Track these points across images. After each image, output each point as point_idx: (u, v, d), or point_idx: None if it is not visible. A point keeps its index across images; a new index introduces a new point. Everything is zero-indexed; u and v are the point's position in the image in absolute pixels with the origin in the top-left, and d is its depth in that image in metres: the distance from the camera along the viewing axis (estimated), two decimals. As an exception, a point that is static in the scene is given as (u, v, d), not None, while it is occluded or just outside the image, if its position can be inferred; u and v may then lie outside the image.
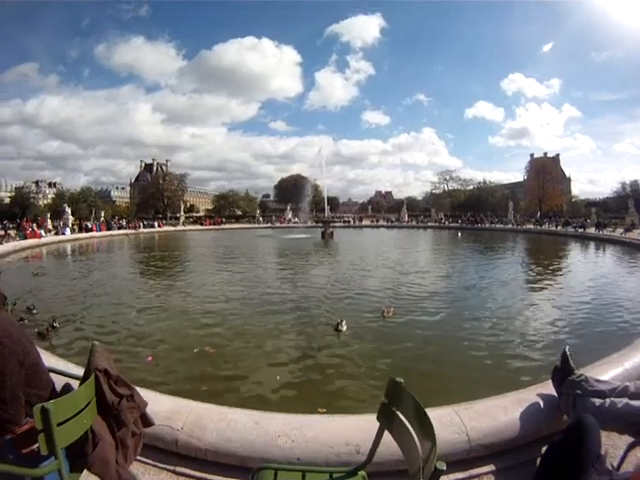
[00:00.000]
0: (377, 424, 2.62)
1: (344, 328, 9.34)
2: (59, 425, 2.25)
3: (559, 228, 59.24)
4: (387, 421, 2.52)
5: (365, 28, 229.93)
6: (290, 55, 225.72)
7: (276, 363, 7.70)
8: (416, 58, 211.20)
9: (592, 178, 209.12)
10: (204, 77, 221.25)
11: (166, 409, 3.87)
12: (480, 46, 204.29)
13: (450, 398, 4.34)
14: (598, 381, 3.61)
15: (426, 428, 2.07)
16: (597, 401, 3.34)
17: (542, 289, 15.33)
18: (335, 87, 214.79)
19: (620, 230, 48.03)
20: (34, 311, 11.88)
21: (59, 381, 3.06)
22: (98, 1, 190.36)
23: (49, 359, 4.75)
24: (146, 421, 3.12)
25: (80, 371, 3.19)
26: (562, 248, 35.91)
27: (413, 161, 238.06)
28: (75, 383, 2.94)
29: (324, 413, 5.11)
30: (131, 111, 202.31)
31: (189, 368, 7.49)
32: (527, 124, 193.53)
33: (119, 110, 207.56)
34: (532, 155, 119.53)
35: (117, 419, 2.76)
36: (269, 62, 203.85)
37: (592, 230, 51.79)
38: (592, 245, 38.08)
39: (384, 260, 23.11)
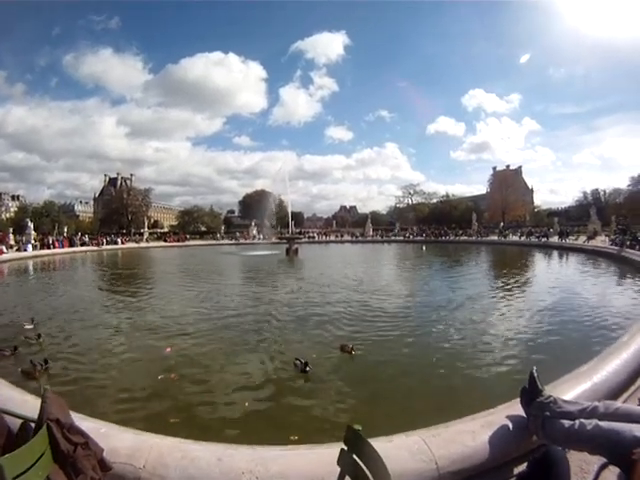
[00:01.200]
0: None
1: (308, 369, 8.18)
2: (14, 479, 2.21)
3: (522, 238, 60.53)
4: (347, 467, 2.55)
5: (330, 45, 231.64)
6: (256, 71, 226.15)
7: (241, 388, 7.57)
8: (379, 75, 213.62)
9: (553, 188, 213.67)
10: (169, 91, 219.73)
11: (127, 446, 3.74)
12: (442, 63, 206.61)
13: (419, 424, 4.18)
14: (566, 402, 3.63)
15: (384, 476, 2.18)
16: (566, 423, 3.35)
17: (507, 302, 15.46)
18: (299, 103, 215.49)
19: (583, 238, 49.14)
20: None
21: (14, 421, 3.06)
22: (70, 11, 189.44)
23: (5, 390, 4.95)
24: (104, 466, 3.02)
25: (36, 404, 3.04)
26: (526, 258, 36.79)
27: (376, 176, 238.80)
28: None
29: (296, 441, 5.10)
30: (96, 124, 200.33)
31: (152, 396, 7.25)
32: (488, 138, 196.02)
33: (84, 122, 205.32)
34: (494, 168, 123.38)
35: (74, 467, 2.67)
36: (235, 77, 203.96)
37: (555, 239, 53.04)
38: (555, 254, 38.93)
39: (349, 278, 22.78)
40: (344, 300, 15.73)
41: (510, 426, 3.78)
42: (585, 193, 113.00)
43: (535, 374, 3.84)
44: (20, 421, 3.00)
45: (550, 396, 3.64)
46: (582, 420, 3.28)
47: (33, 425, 2.80)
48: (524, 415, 3.78)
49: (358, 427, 2.48)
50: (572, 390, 4.31)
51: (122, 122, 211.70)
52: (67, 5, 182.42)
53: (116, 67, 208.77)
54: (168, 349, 8.46)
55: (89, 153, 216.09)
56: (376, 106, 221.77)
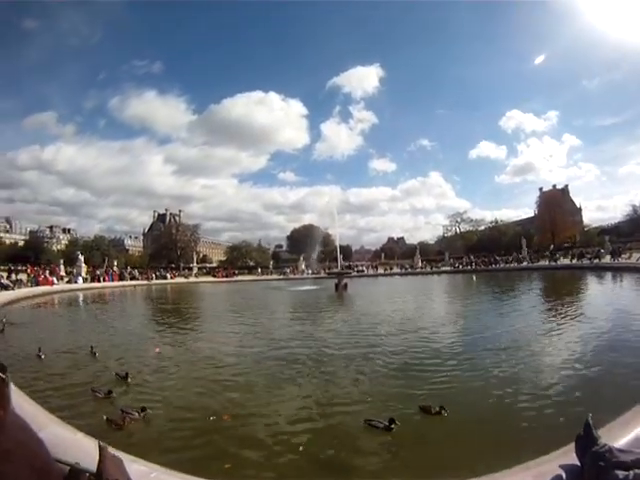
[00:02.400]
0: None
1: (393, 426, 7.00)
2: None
3: (574, 261, 58.92)
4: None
5: (365, 78, 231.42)
6: (296, 108, 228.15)
7: (295, 434, 7.14)
8: (416, 104, 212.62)
9: (600, 205, 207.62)
10: (213, 130, 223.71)
11: None
12: (476, 87, 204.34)
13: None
14: (621, 451, 3.39)
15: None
16: (621, 474, 3.12)
17: (564, 335, 14.38)
18: (340, 137, 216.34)
19: (637, 255, 47.31)
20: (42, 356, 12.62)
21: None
22: (113, 57, 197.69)
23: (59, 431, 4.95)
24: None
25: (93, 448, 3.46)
26: (579, 283, 35.39)
27: (422, 205, 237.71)
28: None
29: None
30: (144, 162, 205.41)
31: (204, 439, 6.97)
32: (530, 159, 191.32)
33: (132, 161, 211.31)
34: (541, 189, 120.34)
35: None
36: (276, 115, 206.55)
37: (607, 259, 51.62)
38: (609, 275, 37.46)
39: (401, 316, 21.00)
40: (400, 344, 14.01)
41: (564, 476, 3.60)
42: (635, 207, 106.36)
43: (590, 422, 3.71)
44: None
45: (605, 445, 3.45)
46: (637, 471, 3.10)
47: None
48: (578, 464, 3.61)
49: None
50: (629, 433, 4.07)
51: (169, 160, 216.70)
52: (111, 51, 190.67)
53: (160, 108, 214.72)
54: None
55: (138, 190, 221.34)
56: (416, 136, 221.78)
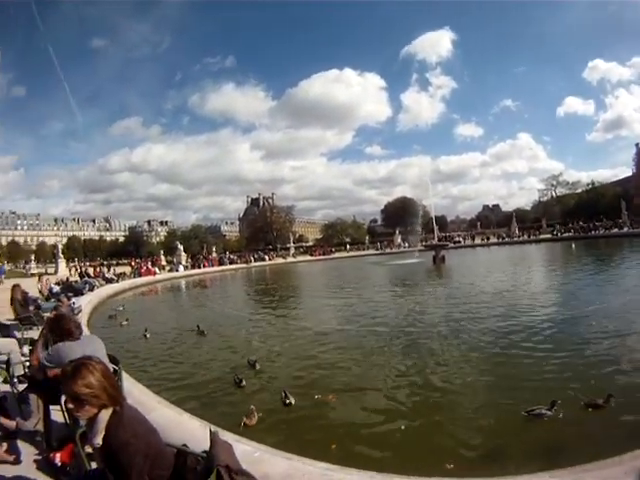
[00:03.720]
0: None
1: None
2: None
3: None
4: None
5: (437, 44, 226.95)
6: (374, 81, 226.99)
7: (399, 414, 6.95)
8: (494, 64, 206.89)
9: None
10: (295, 113, 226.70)
11: (279, 472, 3.80)
12: (553, 38, 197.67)
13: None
14: None
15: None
16: None
17: None
18: (422, 106, 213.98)
19: None
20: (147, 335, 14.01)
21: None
22: (186, 58, 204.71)
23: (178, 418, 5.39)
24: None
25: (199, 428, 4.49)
26: None
27: (514, 169, 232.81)
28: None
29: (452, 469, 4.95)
30: (231, 151, 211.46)
31: (310, 418, 7.00)
32: (620, 112, 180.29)
33: (220, 151, 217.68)
34: (637, 145, 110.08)
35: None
36: (355, 91, 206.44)
37: None
38: None
39: (502, 290, 19.61)
40: (505, 323, 12.82)
41: None
42: None
43: None
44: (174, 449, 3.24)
45: None
46: None
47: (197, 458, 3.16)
48: None
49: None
50: None
51: (255, 147, 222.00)
52: (182, 54, 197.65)
53: (240, 99, 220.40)
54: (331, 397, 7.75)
55: (229, 178, 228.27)
56: (499, 97, 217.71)
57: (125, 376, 6.15)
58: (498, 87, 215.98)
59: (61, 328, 5.07)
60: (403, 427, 6.39)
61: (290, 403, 7.31)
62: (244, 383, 8.47)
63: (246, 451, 4.03)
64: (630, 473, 3.40)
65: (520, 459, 5.27)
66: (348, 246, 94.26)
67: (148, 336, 14.31)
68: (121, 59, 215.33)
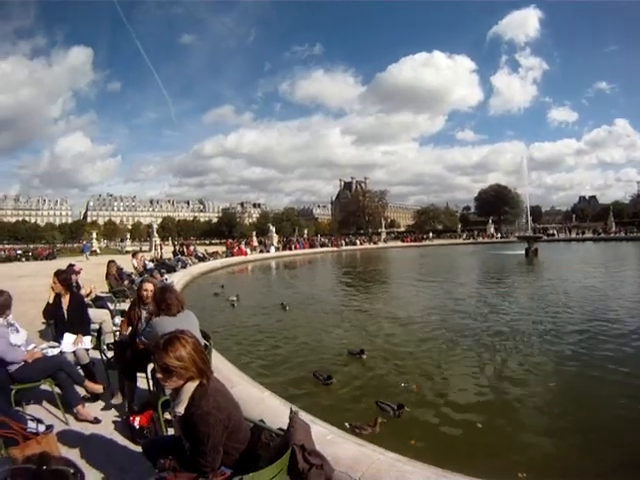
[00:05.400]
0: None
1: None
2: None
3: None
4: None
5: (524, 22, 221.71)
6: (464, 63, 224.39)
7: (477, 409, 6.92)
8: (584, 43, 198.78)
9: None
10: (385, 98, 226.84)
11: (349, 456, 3.85)
12: None
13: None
14: None
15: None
16: None
17: None
18: (513, 88, 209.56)
19: None
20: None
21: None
22: (273, 48, 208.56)
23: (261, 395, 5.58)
24: (330, 480, 3.31)
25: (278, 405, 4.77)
26: None
27: (610, 159, 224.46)
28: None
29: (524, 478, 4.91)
30: (323, 136, 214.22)
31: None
32: None
33: (312, 136, 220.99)
34: None
35: (303, 480, 3.04)
36: (445, 73, 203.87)
37: None
38: None
39: (596, 292, 18.41)
40: (592, 330, 11.78)
41: None
42: None
43: None
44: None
45: None
46: None
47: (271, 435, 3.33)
48: None
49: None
50: None
51: (347, 132, 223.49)
52: (269, 44, 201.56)
53: (329, 85, 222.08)
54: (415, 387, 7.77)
55: (321, 162, 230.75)
56: (592, 79, 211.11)
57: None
58: (591, 68, 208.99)
59: (164, 300, 5.16)
60: (480, 426, 6.31)
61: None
62: (332, 380, 7.96)
63: (320, 432, 4.12)
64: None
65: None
66: (441, 233, 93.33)
67: (236, 305, 15.89)
68: (210, 52, 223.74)
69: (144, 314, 6.08)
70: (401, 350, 10.16)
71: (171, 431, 4.31)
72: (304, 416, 4.00)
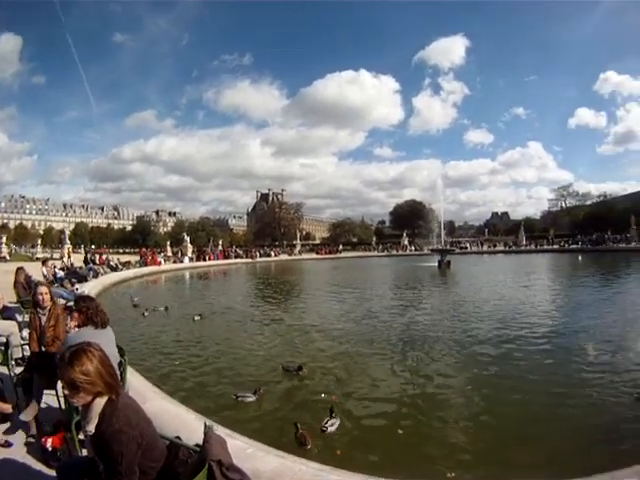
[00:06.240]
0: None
1: None
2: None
3: None
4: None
5: (450, 50, 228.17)
6: (388, 84, 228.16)
7: (397, 415, 7.11)
8: (506, 72, 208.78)
9: None
10: (308, 112, 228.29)
11: (270, 469, 3.83)
12: (566, 49, 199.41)
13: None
14: None
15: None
16: None
17: None
18: (434, 110, 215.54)
19: None
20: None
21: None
22: (203, 55, 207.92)
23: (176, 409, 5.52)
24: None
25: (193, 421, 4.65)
26: None
27: (523, 178, 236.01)
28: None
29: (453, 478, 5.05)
30: (244, 146, 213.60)
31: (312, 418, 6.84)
32: (631, 126, 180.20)
33: (232, 146, 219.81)
34: None
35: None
36: (369, 92, 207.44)
37: None
38: None
39: (503, 299, 19.96)
40: (499, 332, 12.87)
41: None
42: None
43: None
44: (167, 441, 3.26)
45: None
46: None
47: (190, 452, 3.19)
48: None
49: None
50: None
51: (267, 143, 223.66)
52: (200, 50, 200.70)
53: (254, 96, 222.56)
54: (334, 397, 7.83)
55: (239, 173, 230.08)
56: (510, 104, 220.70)
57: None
58: (510, 95, 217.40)
59: (96, 310, 4.99)
60: (401, 432, 6.43)
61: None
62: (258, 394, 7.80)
63: (239, 446, 4.08)
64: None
65: (523, 469, 5.37)
66: (356, 246, 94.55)
67: (146, 315, 16.11)
68: (140, 53, 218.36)
69: (43, 320, 5.87)
70: (320, 360, 10.24)
71: (86, 452, 4.05)
72: (221, 430, 4.05)
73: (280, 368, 9.40)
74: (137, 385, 6.23)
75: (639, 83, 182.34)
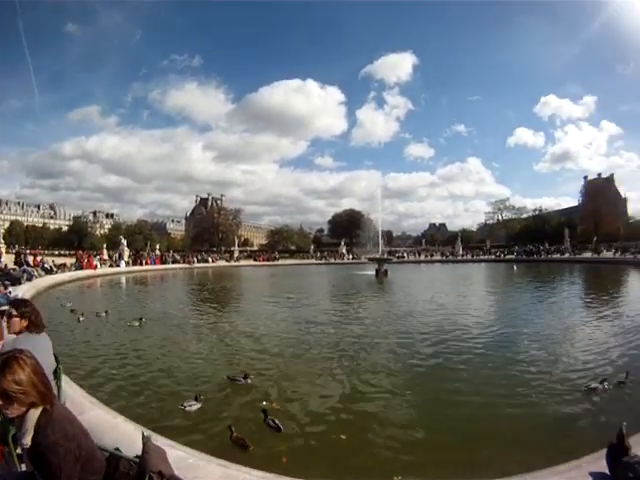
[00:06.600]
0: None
1: None
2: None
3: (617, 255, 57.81)
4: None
5: (398, 66, 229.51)
6: (334, 95, 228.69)
7: (338, 421, 7.23)
8: (451, 90, 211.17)
9: None
10: (252, 118, 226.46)
11: (213, 479, 3.83)
12: (509, 72, 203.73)
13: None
14: None
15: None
16: None
17: (603, 334, 13.78)
18: (377, 123, 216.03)
19: None
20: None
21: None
22: (154, 53, 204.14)
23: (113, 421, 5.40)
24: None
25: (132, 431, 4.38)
26: (621, 279, 34.82)
27: (460, 192, 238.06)
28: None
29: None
30: (185, 149, 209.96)
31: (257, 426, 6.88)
32: (568, 147, 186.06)
33: (175, 148, 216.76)
34: (585, 177, 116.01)
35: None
36: (315, 102, 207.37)
37: None
38: None
39: (438, 306, 20.74)
40: (434, 337, 13.51)
41: None
42: None
43: (624, 431, 3.68)
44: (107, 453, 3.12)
45: (636, 456, 3.48)
46: None
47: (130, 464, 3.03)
48: (608, 473, 3.61)
49: None
50: None
51: (209, 147, 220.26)
52: (151, 48, 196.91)
53: (200, 99, 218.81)
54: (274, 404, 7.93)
55: (180, 176, 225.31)
56: (452, 121, 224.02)
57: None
58: (452, 112, 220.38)
59: (37, 315, 4.89)
60: (344, 437, 6.56)
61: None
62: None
63: (181, 457, 4.04)
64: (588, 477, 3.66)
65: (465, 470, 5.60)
66: (294, 254, 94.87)
67: (81, 320, 15.92)
68: (91, 46, 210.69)
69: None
70: (260, 367, 10.24)
71: (25, 467, 3.82)
72: (161, 440, 4.06)
73: (225, 377, 9.33)
74: (73, 395, 6.10)
75: (578, 107, 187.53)
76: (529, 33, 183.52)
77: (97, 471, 2.91)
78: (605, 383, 8.24)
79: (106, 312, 17.49)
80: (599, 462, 3.72)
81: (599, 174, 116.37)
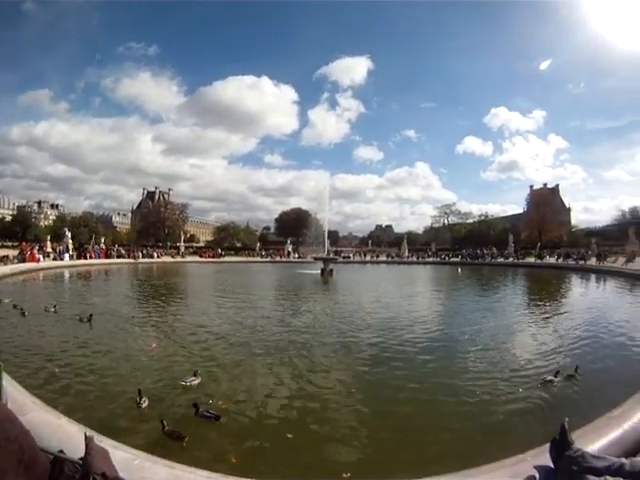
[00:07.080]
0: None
1: None
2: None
3: (559, 261, 59.67)
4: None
5: (353, 69, 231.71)
6: (288, 94, 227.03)
7: (284, 420, 7.33)
8: (403, 96, 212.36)
9: (587, 206, 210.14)
10: (203, 112, 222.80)
11: None
12: (462, 82, 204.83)
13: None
14: (594, 457, 3.50)
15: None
16: (592, 479, 3.23)
17: (542, 333, 14.67)
18: (328, 124, 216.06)
19: (621, 260, 47.43)
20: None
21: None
22: (110, 38, 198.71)
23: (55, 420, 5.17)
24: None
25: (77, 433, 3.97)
26: (563, 283, 35.72)
27: (408, 195, 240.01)
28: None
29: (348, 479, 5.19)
30: (135, 140, 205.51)
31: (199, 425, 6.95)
32: (516, 157, 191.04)
33: (124, 139, 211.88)
34: (531, 187, 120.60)
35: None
36: (268, 100, 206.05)
37: (593, 261, 52.17)
38: (593, 278, 38.01)
39: (382, 305, 21.46)
40: (377, 335, 13.92)
41: (538, 478, 3.66)
42: (624, 212, 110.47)
43: (566, 426, 3.81)
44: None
45: (579, 449, 3.59)
46: (608, 477, 3.18)
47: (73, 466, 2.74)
48: (553, 466, 3.69)
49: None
50: (602, 438, 4.27)
51: (159, 140, 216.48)
52: (108, 33, 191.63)
53: (153, 89, 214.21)
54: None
55: (128, 168, 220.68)
56: (403, 126, 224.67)
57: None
58: (404, 118, 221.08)
59: None
60: (290, 435, 6.66)
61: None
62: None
63: (126, 458, 3.97)
64: (514, 476, 3.75)
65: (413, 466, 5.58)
66: (240, 251, 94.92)
67: (27, 314, 15.90)
68: (47, 26, 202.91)
69: None
70: (206, 365, 10.15)
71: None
72: (106, 442, 4.07)
73: (173, 378, 9.21)
74: (15, 395, 5.84)
75: (527, 120, 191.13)
76: (486, 47, 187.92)
77: (40, 474, 2.70)
78: (559, 376, 9.00)
79: (55, 307, 17.19)
80: (543, 456, 3.87)
81: (545, 184, 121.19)
